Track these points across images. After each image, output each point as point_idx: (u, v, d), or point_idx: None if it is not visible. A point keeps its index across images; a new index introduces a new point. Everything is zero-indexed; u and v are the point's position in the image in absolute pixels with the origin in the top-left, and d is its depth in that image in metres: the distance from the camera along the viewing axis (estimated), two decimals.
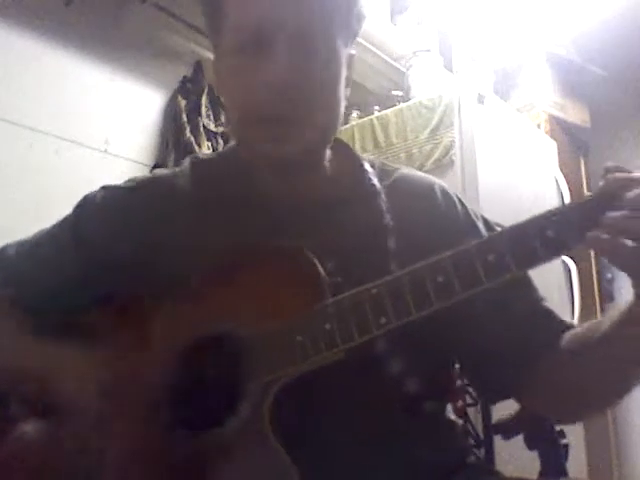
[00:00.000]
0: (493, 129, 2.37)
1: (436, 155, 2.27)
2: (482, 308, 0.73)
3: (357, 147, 2.50)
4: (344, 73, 0.79)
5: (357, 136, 2.52)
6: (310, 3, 0.74)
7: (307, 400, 0.65)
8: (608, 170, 0.60)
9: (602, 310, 3.28)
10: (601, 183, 0.60)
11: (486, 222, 0.85)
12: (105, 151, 2.06)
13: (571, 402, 0.76)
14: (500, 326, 0.76)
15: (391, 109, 2.50)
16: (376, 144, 2.45)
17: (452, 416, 0.85)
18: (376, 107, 2.66)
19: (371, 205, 0.80)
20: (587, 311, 3.07)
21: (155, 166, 2.17)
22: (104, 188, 0.85)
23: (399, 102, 2.60)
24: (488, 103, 2.36)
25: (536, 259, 0.59)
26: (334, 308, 0.64)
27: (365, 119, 2.57)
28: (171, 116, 2.25)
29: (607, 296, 3.38)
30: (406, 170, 0.89)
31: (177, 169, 0.87)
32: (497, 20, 3.01)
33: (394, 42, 2.79)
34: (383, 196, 0.81)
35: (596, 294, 3.29)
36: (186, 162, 0.87)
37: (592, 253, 3.33)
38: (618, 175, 0.59)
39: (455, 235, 0.71)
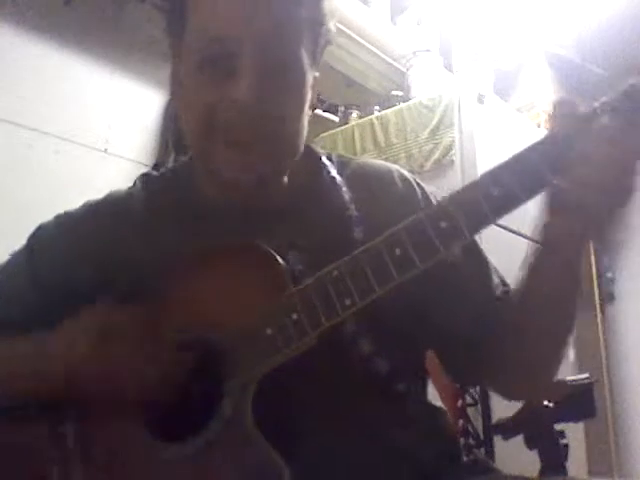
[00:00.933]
0: (493, 129, 2.37)
1: (436, 155, 2.28)
2: (437, 289, 0.74)
3: (357, 147, 2.50)
4: (309, 95, 0.76)
5: (357, 136, 2.52)
6: (277, 19, 0.70)
7: (283, 392, 0.65)
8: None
9: (602, 310, 3.29)
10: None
11: None
12: (105, 151, 2.06)
13: (524, 366, 0.76)
14: (453, 306, 0.77)
15: (391, 109, 2.50)
16: (376, 144, 2.46)
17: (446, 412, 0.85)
18: (376, 107, 2.66)
19: (333, 198, 0.80)
20: (587, 311, 3.07)
21: (155, 166, 2.17)
22: (57, 216, 0.84)
23: (399, 102, 2.60)
24: (488, 103, 2.37)
25: (486, 220, 0.60)
26: (298, 296, 0.64)
27: (365, 119, 2.58)
28: (171, 116, 2.25)
29: (607, 296, 3.39)
30: (362, 160, 0.90)
31: (131, 187, 0.86)
32: (497, 20, 3.02)
33: (394, 42, 2.79)
34: (345, 188, 0.81)
35: (596, 294, 3.29)
36: (137, 181, 0.86)
37: (592, 253, 3.33)
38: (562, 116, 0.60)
39: None
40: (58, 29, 1.96)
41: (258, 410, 0.64)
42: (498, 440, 1.36)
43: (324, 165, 0.84)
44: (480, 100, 2.32)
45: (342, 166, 0.85)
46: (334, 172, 0.83)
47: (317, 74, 0.80)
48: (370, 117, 2.56)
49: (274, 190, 0.79)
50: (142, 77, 2.21)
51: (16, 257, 0.84)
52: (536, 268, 0.69)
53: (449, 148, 2.26)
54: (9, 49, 1.84)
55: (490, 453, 1.49)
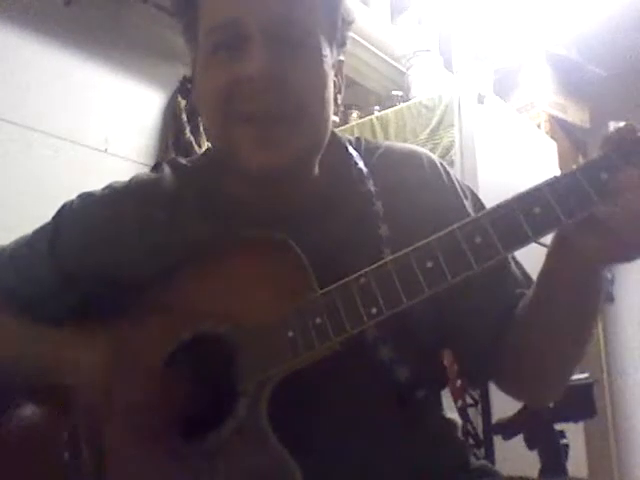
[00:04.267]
0: (493, 129, 2.37)
1: (436, 155, 2.27)
2: (456, 292, 0.71)
3: None
4: (331, 75, 0.75)
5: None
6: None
7: (299, 394, 0.65)
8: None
9: (602, 310, 3.28)
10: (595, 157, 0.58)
11: (474, 197, 0.83)
12: (105, 151, 2.06)
13: (534, 372, 0.74)
14: (469, 308, 0.75)
15: (391, 109, 2.50)
16: None
17: (453, 415, 0.84)
18: (376, 107, 2.66)
19: (359, 193, 0.78)
20: None
21: (155, 166, 2.16)
22: (81, 196, 0.84)
23: (399, 102, 2.60)
24: (488, 103, 2.36)
25: (524, 238, 0.57)
26: (324, 301, 0.63)
27: (365, 119, 2.57)
28: (171, 116, 2.25)
29: (607, 296, 3.38)
30: (388, 144, 0.86)
31: (157, 174, 0.86)
32: (497, 20, 3.01)
33: (394, 42, 2.79)
34: (371, 180, 0.79)
35: None
36: (166, 167, 0.86)
37: None
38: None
39: (443, 211, 0.70)
40: (58, 29, 1.96)
41: (274, 411, 0.64)
42: (498, 440, 1.36)
43: (350, 156, 0.82)
44: (480, 100, 2.32)
45: (368, 154, 0.83)
46: (361, 164, 0.81)
47: (342, 58, 0.80)
48: (370, 117, 2.55)
49: (301, 183, 0.78)
50: (142, 77, 2.21)
51: (39, 233, 0.84)
52: (549, 276, 0.67)
53: (449, 148, 2.25)
54: (9, 49, 1.84)
55: (490, 453, 1.49)
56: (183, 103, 2.26)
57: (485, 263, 0.58)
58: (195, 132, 2.24)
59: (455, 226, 0.60)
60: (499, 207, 0.59)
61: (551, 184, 0.58)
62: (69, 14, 1.98)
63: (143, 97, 2.22)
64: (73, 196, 0.85)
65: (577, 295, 0.66)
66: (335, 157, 0.81)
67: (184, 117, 2.23)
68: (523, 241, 0.58)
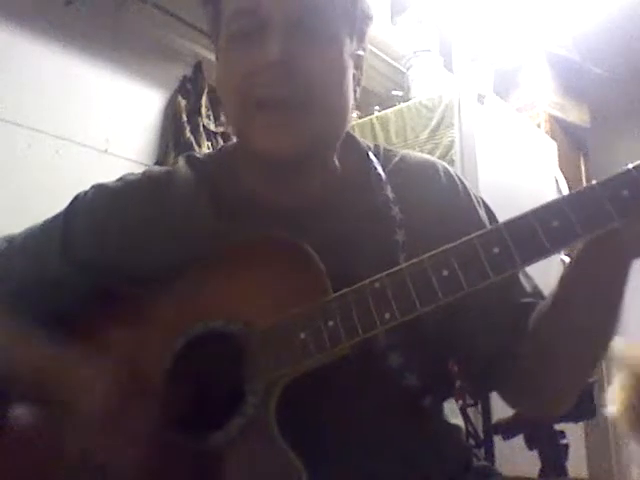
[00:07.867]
0: (493, 129, 2.37)
1: (436, 155, 2.27)
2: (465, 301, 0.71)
3: None
4: (350, 65, 0.76)
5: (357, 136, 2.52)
6: None
7: (308, 396, 0.64)
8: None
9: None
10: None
11: (486, 207, 0.83)
12: (105, 151, 2.06)
13: (548, 382, 0.73)
14: (474, 316, 0.74)
15: (391, 109, 2.50)
16: None
17: (458, 420, 0.83)
18: (376, 107, 2.66)
19: (377, 197, 0.78)
20: None
21: (155, 166, 2.17)
22: (95, 187, 0.84)
23: (399, 102, 2.60)
24: (488, 103, 2.36)
25: (542, 251, 0.57)
26: (337, 304, 0.63)
27: (365, 119, 2.57)
28: (171, 116, 2.25)
29: None
30: (406, 152, 0.86)
31: (171, 167, 0.86)
32: (497, 20, 3.01)
33: (394, 42, 2.79)
34: (389, 187, 0.79)
35: None
36: (181, 161, 0.86)
37: None
38: None
39: (458, 221, 0.70)
40: (58, 29, 1.96)
41: (281, 412, 0.63)
42: (498, 440, 1.36)
43: (370, 162, 0.82)
44: (480, 100, 2.32)
45: (386, 160, 0.83)
46: (380, 169, 0.81)
47: (362, 53, 0.80)
48: (370, 117, 2.55)
49: (317, 178, 0.78)
50: (142, 77, 2.21)
51: (52, 221, 0.83)
52: (569, 283, 0.66)
53: (449, 148, 2.25)
54: (9, 49, 1.84)
55: (490, 453, 1.49)
56: (183, 103, 2.26)
57: (502, 273, 0.58)
58: (195, 132, 2.24)
59: (473, 235, 0.59)
60: (518, 219, 0.59)
61: (570, 198, 0.58)
62: (69, 14, 1.98)
63: (143, 97, 2.22)
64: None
65: (603, 294, 0.64)
66: (355, 161, 0.82)
67: (184, 117, 2.23)
68: (541, 253, 0.57)
